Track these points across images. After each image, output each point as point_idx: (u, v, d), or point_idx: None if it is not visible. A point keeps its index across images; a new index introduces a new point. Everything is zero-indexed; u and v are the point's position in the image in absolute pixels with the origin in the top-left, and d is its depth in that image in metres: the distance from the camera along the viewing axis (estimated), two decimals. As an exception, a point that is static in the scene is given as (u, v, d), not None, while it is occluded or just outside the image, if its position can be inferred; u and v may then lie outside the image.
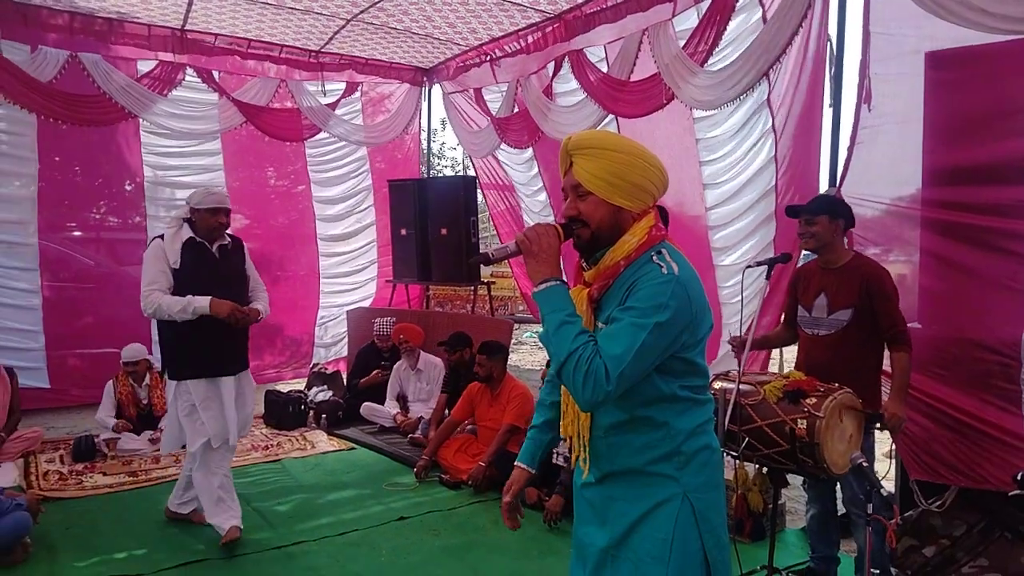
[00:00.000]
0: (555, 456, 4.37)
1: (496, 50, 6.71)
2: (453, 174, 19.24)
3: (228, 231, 3.97)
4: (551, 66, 6.11)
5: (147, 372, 5.72)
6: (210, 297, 3.66)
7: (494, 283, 7.77)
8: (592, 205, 1.76)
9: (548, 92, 6.19)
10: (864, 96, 3.74)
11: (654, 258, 1.71)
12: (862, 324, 3.19)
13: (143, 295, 3.68)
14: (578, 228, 1.78)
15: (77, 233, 7.07)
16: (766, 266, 3.27)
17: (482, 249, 7.36)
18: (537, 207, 7.21)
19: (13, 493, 3.95)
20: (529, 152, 6.93)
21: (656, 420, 1.75)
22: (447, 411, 5.63)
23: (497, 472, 4.63)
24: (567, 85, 6.10)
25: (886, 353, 3.27)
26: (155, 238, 3.86)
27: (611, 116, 5.56)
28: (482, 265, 2.41)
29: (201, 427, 3.84)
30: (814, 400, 2.82)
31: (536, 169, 7.03)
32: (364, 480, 5.04)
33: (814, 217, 3.34)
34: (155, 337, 4.95)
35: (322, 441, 5.97)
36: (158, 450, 5.36)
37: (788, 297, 3.60)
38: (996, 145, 3.36)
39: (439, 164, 22.86)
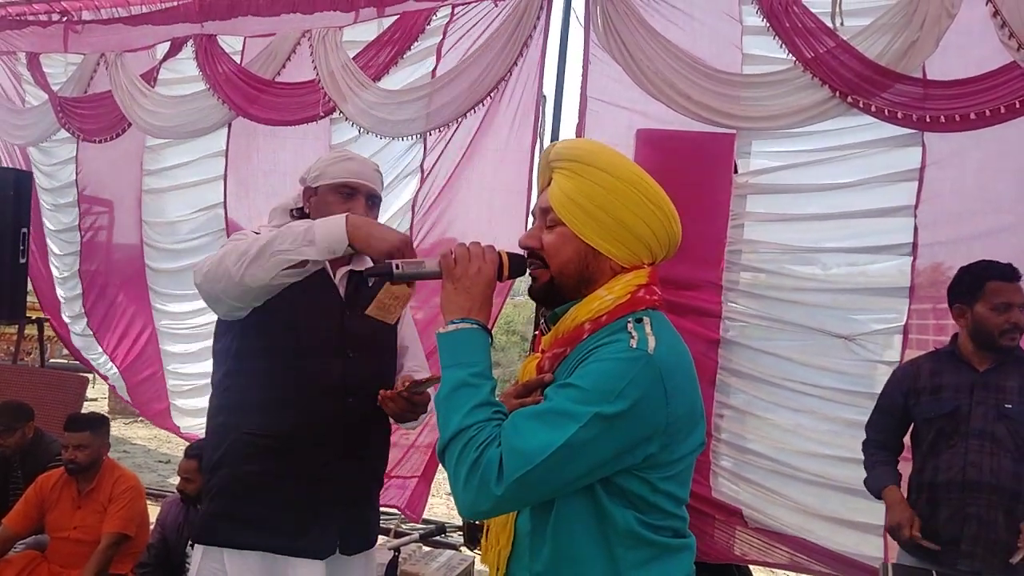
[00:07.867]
0: None
1: (80, 11, 5.04)
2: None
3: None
4: (163, 48, 4.84)
5: None
6: (346, 216, 1.75)
7: (47, 320, 5.75)
8: (559, 239, 1.35)
9: (150, 77, 4.88)
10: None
11: (629, 326, 1.27)
12: None
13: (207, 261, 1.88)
14: (534, 268, 1.37)
15: None
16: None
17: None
18: (61, 223, 5.54)
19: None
20: (68, 151, 5.40)
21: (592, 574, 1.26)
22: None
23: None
24: (177, 72, 4.91)
25: None
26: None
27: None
28: (372, 279, 1.72)
29: None
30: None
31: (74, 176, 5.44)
32: None
33: None
34: None
35: None
36: None
37: None
38: (689, 228, 3.59)
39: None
